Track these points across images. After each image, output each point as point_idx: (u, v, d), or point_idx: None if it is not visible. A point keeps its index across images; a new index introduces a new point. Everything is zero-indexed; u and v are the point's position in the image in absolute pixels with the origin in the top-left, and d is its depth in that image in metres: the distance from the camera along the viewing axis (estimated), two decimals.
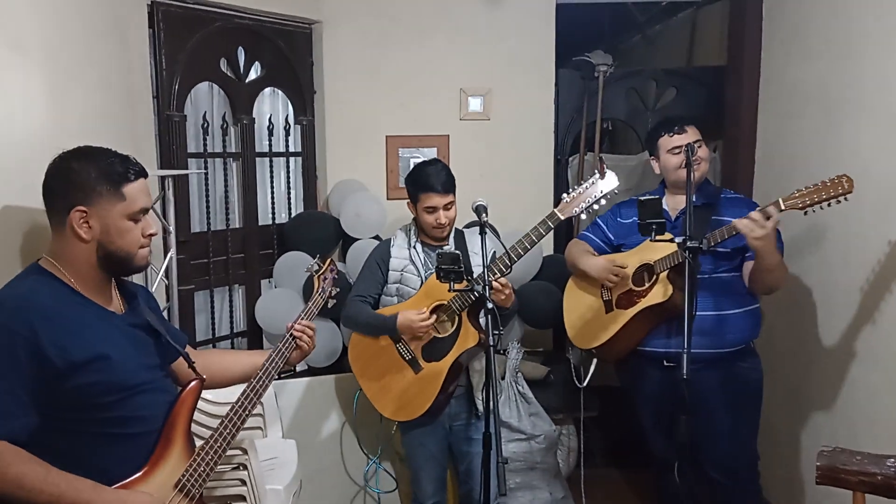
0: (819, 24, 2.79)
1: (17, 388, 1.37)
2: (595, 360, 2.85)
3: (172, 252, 2.46)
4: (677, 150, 2.46)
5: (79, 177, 1.47)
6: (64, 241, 1.49)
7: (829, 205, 2.18)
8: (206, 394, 2.06)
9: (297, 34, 3.38)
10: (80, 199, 1.47)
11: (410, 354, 2.50)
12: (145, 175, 1.55)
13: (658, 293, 2.42)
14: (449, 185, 2.49)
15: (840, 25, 2.65)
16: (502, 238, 2.70)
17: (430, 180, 2.46)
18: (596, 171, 2.36)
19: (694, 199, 2.32)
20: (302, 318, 1.87)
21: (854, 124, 2.56)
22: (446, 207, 2.49)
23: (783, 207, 2.19)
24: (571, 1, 3.78)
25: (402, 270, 2.57)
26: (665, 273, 2.41)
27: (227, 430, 1.63)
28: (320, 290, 2.03)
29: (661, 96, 3.97)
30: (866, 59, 2.50)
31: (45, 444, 1.40)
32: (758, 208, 2.24)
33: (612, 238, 2.67)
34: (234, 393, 1.73)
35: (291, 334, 1.83)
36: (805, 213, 2.20)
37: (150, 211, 1.59)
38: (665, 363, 2.45)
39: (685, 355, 1.99)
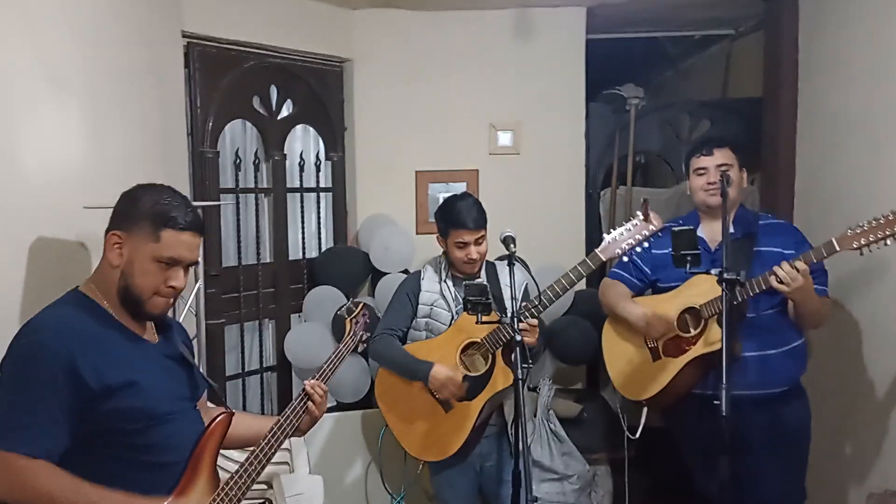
0: (859, 50, 2.73)
1: (55, 408, 1.38)
2: (646, 409, 2.72)
3: (200, 283, 2.47)
4: (702, 171, 2.41)
5: (134, 205, 1.50)
6: (102, 262, 1.53)
7: (885, 243, 2.09)
8: None
9: (328, 72, 3.44)
10: (123, 225, 1.50)
11: None
12: (197, 231, 1.54)
13: (708, 341, 2.31)
14: (480, 221, 2.45)
15: (881, 51, 2.59)
16: (534, 273, 2.65)
17: (460, 216, 2.43)
18: (639, 212, 2.30)
19: (732, 230, 2.25)
20: (320, 374, 1.81)
21: None
22: (477, 242, 2.46)
23: (837, 249, 2.12)
24: (602, 36, 3.79)
25: (432, 305, 2.53)
26: (714, 318, 2.32)
27: (253, 467, 1.60)
28: (352, 332, 2.02)
29: (695, 128, 3.92)
30: None
31: (72, 467, 1.40)
32: (790, 260, 2.17)
33: (648, 272, 2.59)
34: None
35: (304, 389, 1.76)
36: (861, 253, 2.12)
37: (188, 268, 1.56)
38: (713, 402, 2.35)
39: (724, 392, 1.91)
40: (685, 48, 4.45)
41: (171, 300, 1.56)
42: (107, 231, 1.51)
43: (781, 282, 2.15)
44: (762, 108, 3.45)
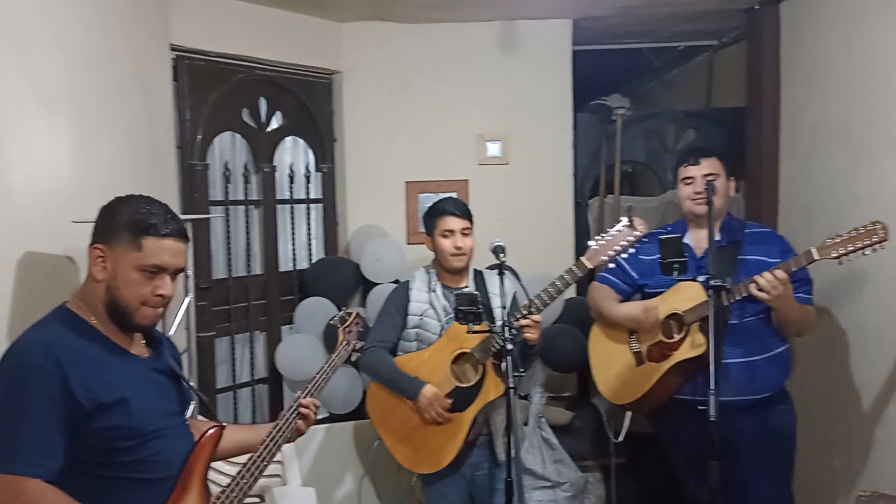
0: (838, 61, 2.78)
1: (52, 427, 1.38)
2: (630, 413, 2.74)
3: (191, 296, 2.47)
4: (689, 181, 2.45)
5: (112, 217, 1.51)
6: (88, 278, 1.52)
7: (863, 253, 2.14)
8: None
9: (317, 84, 3.45)
10: (104, 238, 1.50)
11: None
12: (179, 237, 1.54)
13: (691, 347, 2.34)
14: (465, 211, 2.50)
15: (859, 62, 2.64)
16: (523, 281, 2.66)
17: (447, 205, 2.50)
18: (624, 217, 2.33)
19: (719, 238, 2.28)
20: (311, 391, 1.79)
21: (880, 161, 2.53)
22: (464, 233, 2.48)
23: (816, 258, 2.16)
24: (588, 47, 3.84)
25: (421, 315, 2.53)
26: (696, 324, 2.35)
27: (245, 480, 1.60)
28: (345, 342, 2.01)
29: (680, 138, 3.97)
30: (888, 94, 2.48)
31: (63, 486, 1.39)
32: (770, 269, 2.21)
33: (636, 277, 2.61)
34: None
35: (298, 404, 1.75)
36: (840, 262, 2.16)
37: (175, 276, 1.55)
38: (698, 408, 2.38)
39: (712, 397, 1.93)
40: (669, 59, 4.50)
41: (160, 310, 1.55)
42: (89, 246, 1.51)
43: (761, 289, 2.18)
44: (745, 118, 3.50)
